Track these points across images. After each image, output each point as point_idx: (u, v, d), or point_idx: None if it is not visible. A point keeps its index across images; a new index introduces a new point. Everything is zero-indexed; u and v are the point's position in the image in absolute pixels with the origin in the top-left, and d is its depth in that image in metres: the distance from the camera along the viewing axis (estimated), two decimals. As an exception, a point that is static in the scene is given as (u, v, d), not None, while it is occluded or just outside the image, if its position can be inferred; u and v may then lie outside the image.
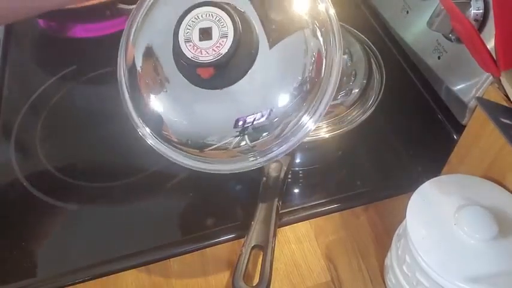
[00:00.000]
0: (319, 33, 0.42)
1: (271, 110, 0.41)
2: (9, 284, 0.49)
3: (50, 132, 0.63)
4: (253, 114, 0.41)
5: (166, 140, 0.44)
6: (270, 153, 0.43)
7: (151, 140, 0.45)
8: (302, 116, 0.42)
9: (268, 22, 0.41)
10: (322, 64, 0.42)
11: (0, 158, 0.61)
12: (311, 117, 0.42)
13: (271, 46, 0.41)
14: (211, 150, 0.43)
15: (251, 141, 0.42)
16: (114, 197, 0.57)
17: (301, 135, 0.43)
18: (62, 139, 0.63)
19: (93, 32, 0.73)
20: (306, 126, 0.43)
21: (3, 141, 0.63)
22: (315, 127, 0.43)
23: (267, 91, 0.42)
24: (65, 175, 0.58)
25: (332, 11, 0.44)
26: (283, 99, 0.41)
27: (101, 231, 0.54)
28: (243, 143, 0.42)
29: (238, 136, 0.41)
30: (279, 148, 0.43)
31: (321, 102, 0.42)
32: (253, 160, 0.44)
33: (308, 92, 0.42)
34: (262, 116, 0.41)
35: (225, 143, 0.42)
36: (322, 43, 0.42)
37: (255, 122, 0.41)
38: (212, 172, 0.44)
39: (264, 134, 0.42)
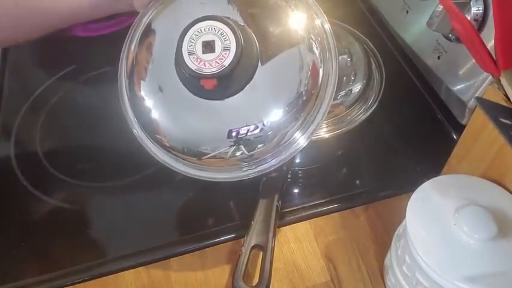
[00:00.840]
0: (314, 47, 0.43)
1: (266, 122, 0.42)
2: (9, 284, 0.49)
3: (50, 132, 0.63)
4: (246, 126, 0.42)
5: (165, 147, 0.45)
6: (264, 164, 0.44)
7: (149, 145, 0.46)
8: (299, 127, 0.43)
9: (263, 38, 0.42)
10: (318, 76, 0.43)
11: (0, 158, 0.61)
12: (307, 129, 0.43)
13: (263, 62, 0.42)
14: (208, 158, 0.43)
15: (248, 151, 0.43)
16: (114, 197, 0.57)
17: (295, 148, 0.43)
18: (62, 139, 0.64)
19: (93, 32, 0.73)
20: (301, 138, 0.43)
21: (3, 141, 0.63)
22: (310, 139, 0.43)
23: (261, 104, 0.43)
24: (65, 175, 0.58)
25: (327, 26, 0.44)
26: (278, 112, 0.42)
27: (101, 231, 0.54)
28: (239, 152, 0.43)
29: (233, 146, 0.42)
30: (275, 158, 0.44)
31: (318, 112, 0.43)
32: (247, 169, 0.44)
33: (304, 103, 0.42)
34: (257, 127, 0.42)
35: (220, 152, 0.43)
36: (318, 55, 0.43)
37: (249, 133, 0.42)
38: (206, 180, 0.45)
39: (260, 145, 0.42)
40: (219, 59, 0.40)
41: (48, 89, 0.68)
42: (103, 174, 0.58)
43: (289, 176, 0.55)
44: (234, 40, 0.40)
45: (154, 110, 0.44)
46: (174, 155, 0.45)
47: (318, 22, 0.44)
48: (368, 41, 0.59)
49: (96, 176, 0.58)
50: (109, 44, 0.49)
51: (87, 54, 0.72)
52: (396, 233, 0.44)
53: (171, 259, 0.50)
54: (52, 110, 0.66)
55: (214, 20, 0.41)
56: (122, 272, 0.49)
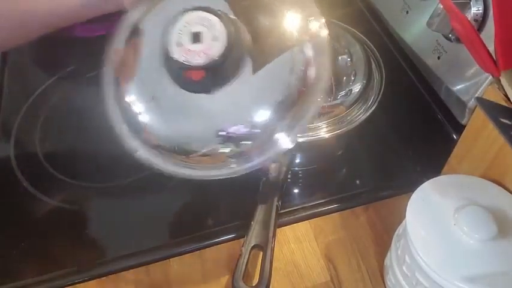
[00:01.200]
0: (307, 47, 0.42)
1: (254, 121, 0.41)
2: (9, 284, 0.49)
3: (50, 132, 0.63)
4: (234, 124, 0.41)
5: (150, 145, 0.44)
6: (252, 161, 0.43)
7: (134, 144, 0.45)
8: (287, 126, 0.42)
9: (255, 36, 0.42)
10: (309, 76, 0.42)
11: (0, 158, 0.61)
12: (295, 128, 0.42)
13: (256, 69, 0.41)
14: (197, 156, 0.43)
15: (236, 149, 0.42)
16: (113, 197, 0.57)
17: (282, 146, 0.43)
18: (62, 139, 0.63)
19: (92, 32, 0.73)
20: (288, 137, 0.42)
21: (3, 141, 0.63)
22: (297, 141, 0.43)
23: (251, 102, 0.42)
24: (65, 175, 0.58)
25: (323, 26, 0.43)
26: (267, 111, 0.42)
27: (101, 231, 0.54)
28: (227, 149, 0.42)
29: (221, 144, 0.42)
30: (263, 155, 0.43)
31: (307, 112, 0.42)
32: (235, 167, 0.44)
33: (293, 103, 0.42)
34: (245, 126, 0.41)
35: (209, 150, 0.42)
36: (310, 56, 0.42)
37: (237, 131, 0.41)
38: (194, 179, 0.44)
39: (249, 143, 0.42)
40: (207, 49, 0.39)
41: (48, 89, 0.68)
42: (103, 175, 0.58)
43: (289, 176, 0.55)
44: (223, 31, 0.39)
45: (142, 110, 0.44)
46: (161, 153, 0.44)
47: (313, 22, 0.44)
48: (368, 41, 0.59)
49: (96, 176, 0.58)
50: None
51: (87, 54, 0.72)
52: (396, 233, 0.44)
53: (171, 259, 0.50)
54: (52, 110, 0.66)
55: (203, 10, 0.40)
56: (122, 272, 0.49)
